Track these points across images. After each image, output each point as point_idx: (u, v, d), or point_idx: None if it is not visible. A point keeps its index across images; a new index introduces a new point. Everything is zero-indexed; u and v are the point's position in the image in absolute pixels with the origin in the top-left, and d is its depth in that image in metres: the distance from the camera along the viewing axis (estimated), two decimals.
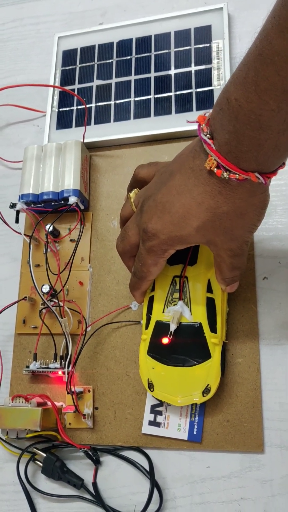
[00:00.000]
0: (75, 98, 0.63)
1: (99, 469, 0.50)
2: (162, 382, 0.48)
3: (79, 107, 0.63)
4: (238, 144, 0.34)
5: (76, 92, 0.64)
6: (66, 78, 0.65)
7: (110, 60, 0.64)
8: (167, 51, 0.62)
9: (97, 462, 0.50)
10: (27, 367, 0.53)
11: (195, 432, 0.48)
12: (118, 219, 0.58)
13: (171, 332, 0.47)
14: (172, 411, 0.49)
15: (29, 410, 0.48)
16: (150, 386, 0.48)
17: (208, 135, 0.36)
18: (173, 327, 0.47)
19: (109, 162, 0.61)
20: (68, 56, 0.66)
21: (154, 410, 0.50)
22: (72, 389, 0.50)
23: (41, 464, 0.50)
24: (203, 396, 0.46)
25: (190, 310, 0.47)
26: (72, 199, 0.55)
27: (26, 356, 0.55)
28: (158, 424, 0.50)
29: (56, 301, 0.54)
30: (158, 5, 0.66)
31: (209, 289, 0.47)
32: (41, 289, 0.53)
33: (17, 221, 0.57)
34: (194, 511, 0.47)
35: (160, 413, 0.50)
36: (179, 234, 0.40)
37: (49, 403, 0.50)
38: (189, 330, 0.47)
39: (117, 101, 0.61)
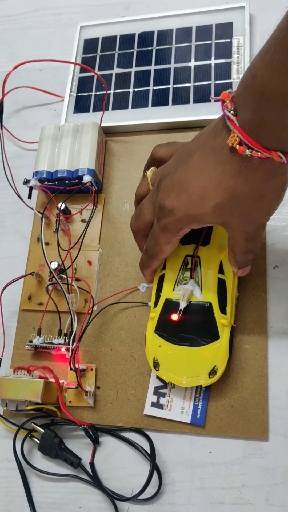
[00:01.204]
0: (94, 84, 0.64)
1: (97, 450, 0.49)
2: (168, 362, 0.47)
3: (97, 92, 0.63)
4: (261, 122, 0.34)
5: (95, 79, 0.64)
6: (86, 64, 0.65)
7: (131, 50, 0.65)
8: (187, 44, 0.63)
9: (96, 442, 0.49)
10: (30, 341, 0.52)
11: (198, 416, 0.48)
12: (131, 202, 0.58)
13: (180, 309, 0.46)
14: (176, 393, 0.49)
15: (31, 381, 0.47)
16: (156, 365, 0.48)
17: (232, 112, 0.36)
18: (183, 305, 0.46)
19: (124, 148, 0.61)
20: (90, 44, 0.67)
21: (158, 392, 0.49)
22: (76, 366, 0.49)
23: (38, 441, 0.49)
24: (209, 377, 0.46)
25: (201, 290, 0.46)
26: (87, 178, 0.55)
27: (29, 332, 0.55)
28: (161, 406, 0.49)
29: (65, 276, 0.53)
30: (180, 2, 0.68)
31: (221, 271, 0.47)
32: (50, 264, 0.52)
33: (29, 196, 0.57)
34: (193, 496, 0.46)
35: (163, 395, 0.49)
36: (195, 213, 0.40)
37: (51, 376, 0.49)
38: (198, 309, 0.46)
39: (136, 89, 0.62)
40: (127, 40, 0.66)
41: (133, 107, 0.61)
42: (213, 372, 0.46)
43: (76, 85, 0.65)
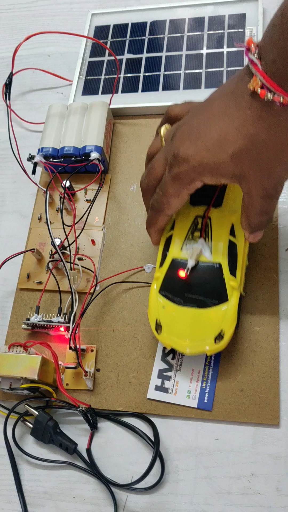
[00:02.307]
0: (104, 68, 0.63)
1: (95, 436, 0.46)
2: (171, 324, 0.44)
3: (107, 76, 0.62)
4: (286, 61, 0.32)
5: (105, 63, 0.63)
6: (96, 50, 0.65)
7: (143, 37, 0.64)
8: (200, 33, 0.63)
9: (93, 427, 0.45)
10: (28, 319, 0.49)
11: (205, 400, 0.44)
12: (138, 184, 0.56)
13: (188, 268, 0.43)
14: (182, 376, 0.46)
15: (28, 357, 0.44)
16: (158, 327, 0.44)
17: (256, 55, 0.34)
18: (191, 263, 0.43)
19: (133, 130, 0.60)
20: (101, 31, 0.66)
21: (162, 374, 0.46)
22: (77, 345, 0.46)
23: (30, 426, 0.46)
24: (215, 343, 0.42)
25: (211, 250, 0.44)
26: (94, 155, 0.53)
27: (26, 312, 0.52)
28: (165, 390, 0.46)
29: (68, 253, 0.51)
30: None
31: (232, 234, 0.44)
32: (54, 240, 0.50)
33: (33, 172, 0.55)
34: (198, 485, 0.42)
35: (168, 378, 0.46)
36: (211, 161, 0.37)
37: (49, 354, 0.46)
38: (207, 270, 0.43)
39: (147, 74, 0.61)
40: (138, 27, 0.65)
41: (143, 90, 0.60)
42: (219, 337, 0.42)
43: (86, 69, 0.64)
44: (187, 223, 0.45)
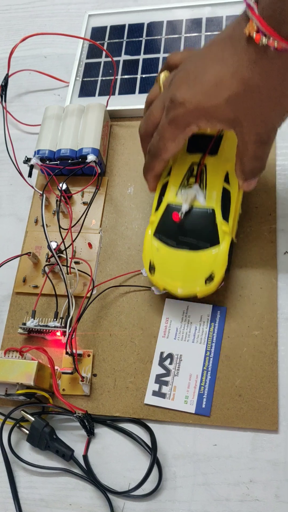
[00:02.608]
0: (101, 69, 0.62)
1: (92, 442, 0.45)
2: (164, 266, 0.45)
3: (103, 78, 0.62)
4: (282, 7, 0.32)
5: (102, 65, 0.63)
6: (93, 51, 0.64)
7: (140, 39, 0.64)
8: (197, 34, 0.62)
9: (90, 433, 0.45)
10: (24, 324, 0.49)
11: (203, 406, 0.44)
12: (135, 186, 0.56)
13: (182, 212, 0.44)
14: (179, 381, 0.45)
15: (24, 363, 0.44)
16: (151, 268, 0.46)
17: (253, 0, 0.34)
18: (185, 208, 0.44)
19: (130, 133, 0.59)
20: (97, 32, 0.65)
21: (160, 379, 0.46)
22: (73, 350, 0.45)
23: (27, 432, 0.45)
24: (206, 284, 0.44)
25: (205, 196, 0.45)
26: (91, 157, 0.53)
27: (22, 316, 0.51)
28: (163, 395, 0.45)
29: (64, 256, 0.50)
30: None
31: (226, 181, 0.46)
32: (50, 243, 0.49)
33: (30, 175, 0.54)
34: (196, 492, 0.42)
35: (166, 383, 0.45)
36: (207, 105, 0.38)
37: (45, 359, 0.45)
38: (201, 215, 0.45)
39: (144, 75, 0.61)
40: (136, 28, 0.65)
41: (140, 92, 0.60)
42: (210, 278, 0.44)
43: (82, 70, 0.63)
44: (183, 169, 0.46)
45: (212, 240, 0.44)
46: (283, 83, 0.35)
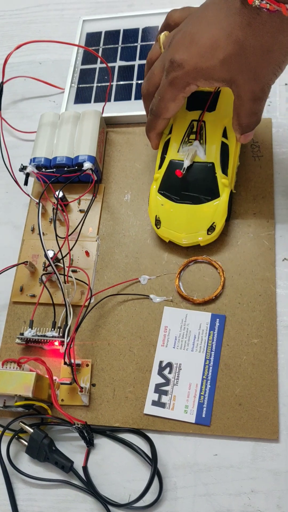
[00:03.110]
0: (96, 75, 0.62)
1: (91, 453, 0.45)
2: (169, 219, 0.49)
3: (99, 84, 0.62)
4: None
5: (97, 71, 0.63)
6: (88, 57, 0.64)
7: (135, 44, 0.63)
8: None
9: (90, 444, 0.44)
10: (21, 334, 0.48)
11: (203, 415, 0.44)
12: (132, 193, 0.55)
13: (184, 168, 0.47)
14: (179, 391, 0.45)
15: (22, 374, 0.43)
16: (157, 223, 0.49)
17: None
18: (186, 163, 0.47)
19: (126, 139, 0.59)
20: (92, 38, 0.65)
21: (159, 389, 0.45)
22: (72, 360, 0.45)
23: (25, 443, 0.45)
24: (208, 234, 0.48)
25: (205, 151, 0.48)
26: (87, 165, 0.52)
27: (19, 326, 0.51)
28: (162, 405, 0.45)
29: (61, 265, 0.50)
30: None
31: (224, 135, 0.48)
32: (47, 252, 0.49)
33: (26, 183, 0.54)
34: (197, 503, 0.41)
35: (165, 392, 0.45)
36: (204, 66, 0.40)
37: (44, 370, 0.45)
38: (201, 169, 0.48)
39: (139, 81, 0.60)
40: (131, 34, 0.64)
41: (136, 98, 0.59)
42: (211, 228, 0.47)
43: (78, 76, 0.63)
44: (184, 127, 0.49)
45: (213, 193, 0.47)
46: (274, 43, 0.37)
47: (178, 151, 0.49)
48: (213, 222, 0.47)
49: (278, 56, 0.38)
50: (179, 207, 0.48)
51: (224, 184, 0.47)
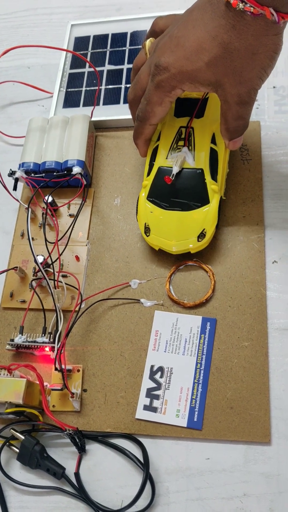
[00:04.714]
0: (85, 79, 0.62)
1: (83, 459, 0.45)
2: (159, 227, 0.48)
3: (88, 88, 0.62)
4: None
5: (86, 75, 0.63)
6: (76, 61, 0.64)
7: (123, 48, 0.63)
8: None
9: (81, 450, 0.44)
10: (12, 340, 0.48)
11: (195, 419, 0.44)
12: (121, 197, 0.55)
13: (173, 174, 0.47)
14: (170, 395, 0.45)
15: (12, 381, 0.43)
16: (147, 230, 0.49)
17: None
18: (175, 170, 0.47)
19: (115, 143, 0.59)
20: (81, 42, 0.65)
21: (151, 393, 0.45)
22: (62, 366, 0.45)
23: (17, 450, 0.44)
24: (198, 241, 0.47)
25: (194, 157, 0.47)
26: (76, 169, 0.52)
27: (10, 332, 0.50)
28: (154, 409, 0.45)
29: (51, 271, 0.49)
30: (173, 4, 0.67)
31: (213, 141, 0.48)
32: (36, 258, 0.49)
33: (15, 188, 0.54)
34: (189, 507, 0.41)
35: (157, 397, 0.45)
36: (189, 69, 0.40)
37: (34, 376, 0.45)
38: (190, 175, 0.47)
39: (128, 85, 0.60)
40: (119, 38, 0.64)
41: (125, 102, 0.59)
42: (201, 235, 0.47)
43: (66, 81, 0.63)
44: (172, 133, 0.49)
45: (202, 199, 0.47)
46: (259, 45, 0.38)
47: (166, 158, 0.48)
48: (203, 229, 0.47)
49: (263, 59, 0.39)
50: (169, 214, 0.47)
51: (214, 190, 0.47)
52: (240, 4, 0.35)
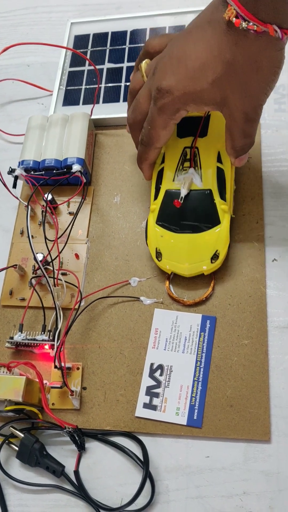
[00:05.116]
0: (84, 77, 0.62)
1: (83, 457, 0.45)
2: (170, 251, 0.47)
3: (87, 86, 0.61)
4: None
5: (86, 73, 0.62)
6: (76, 60, 0.64)
7: (123, 46, 0.63)
8: None
9: (81, 448, 0.44)
10: (11, 338, 0.48)
11: (195, 417, 0.44)
12: (121, 195, 0.55)
13: (181, 197, 0.46)
14: (170, 393, 0.45)
15: (12, 379, 0.43)
16: (158, 255, 0.48)
17: None
18: (184, 192, 0.46)
19: (115, 141, 0.59)
20: (80, 40, 0.65)
21: (150, 391, 0.45)
22: (62, 364, 0.44)
23: (16, 448, 0.44)
24: (212, 262, 0.46)
25: (201, 178, 0.46)
26: (76, 167, 0.52)
27: (9, 330, 0.50)
28: (154, 407, 0.45)
29: (51, 268, 0.49)
30: (173, 2, 0.67)
31: (219, 160, 0.47)
32: (36, 255, 0.49)
33: (14, 186, 0.53)
34: (189, 506, 0.41)
35: (156, 395, 0.45)
36: (193, 89, 0.39)
37: (34, 374, 0.45)
38: (199, 196, 0.46)
39: (128, 83, 0.60)
40: (119, 36, 0.64)
41: (124, 100, 0.59)
42: (215, 256, 0.46)
43: (66, 79, 0.63)
44: (177, 154, 0.48)
45: (213, 220, 0.46)
46: (263, 58, 0.37)
47: (173, 180, 0.47)
48: (216, 250, 0.46)
49: (267, 75, 0.38)
50: (180, 237, 0.46)
51: (224, 210, 0.46)
52: (243, 23, 0.35)
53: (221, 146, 0.46)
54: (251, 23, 0.35)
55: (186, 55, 0.39)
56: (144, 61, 0.46)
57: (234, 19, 0.35)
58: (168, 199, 0.47)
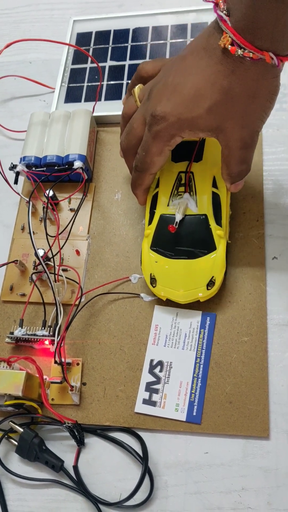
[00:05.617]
0: (87, 75, 0.62)
1: (82, 452, 0.45)
2: (165, 277, 0.46)
3: (89, 83, 0.62)
4: (254, 18, 0.33)
5: (88, 71, 0.63)
6: (78, 57, 0.64)
7: (125, 44, 0.64)
8: (183, 40, 0.62)
9: (80, 443, 0.44)
10: (11, 333, 0.48)
11: (194, 413, 0.44)
12: (122, 192, 0.55)
13: (176, 222, 0.45)
14: (170, 389, 0.45)
15: (12, 373, 0.43)
16: (153, 281, 0.47)
17: (224, 12, 0.35)
18: (178, 217, 0.45)
19: (116, 138, 0.59)
20: (83, 37, 0.65)
21: (150, 387, 0.45)
22: (62, 359, 0.45)
23: (15, 443, 0.44)
24: (207, 289, 0.45)
25: (196, 203, 0.45)
26: (77, 164, 0.52)
27: (9, 325, 0.50)
28: (153, 403, 0.45)
29: (51, 264, 0.49)
30: (173, 1, 0.67)
31: (214, 185, 0.46)
32: (37, 251, 0.49)
33: (16, 182, 0.54)
34: (188, 501, 0.41)
35: (156, 391, 0.45)
36: (189, 116, 0.39)
37: (34, 369, 0.45)
38: (194, 222, 0.45)
39: (129, 82, 0.60)
40: (121, 34, 0.64)
41: None
42: (211, 283, 0.45)
43: (68, 76, 0.63)
44: (171, 179, 0.47)
45: (209, 246, 0.45)
46: (259, 85, 0.37)
47: (168, 205, 0.46)
48: (212, 277, 0.45)
49: (263, 102, 0.38)
50: (175, 263, 0.45)
51: (220, 235, 0.45)
52: (239, 51, 0.34)
53: (217, 171, 0.45)
54: (246, 51, 0.34)
55: (181, 82, 0.38)
56: (137, 86, 0.45)
57: (229, 46, 0.35)
58: (163, 224, 0.46)
